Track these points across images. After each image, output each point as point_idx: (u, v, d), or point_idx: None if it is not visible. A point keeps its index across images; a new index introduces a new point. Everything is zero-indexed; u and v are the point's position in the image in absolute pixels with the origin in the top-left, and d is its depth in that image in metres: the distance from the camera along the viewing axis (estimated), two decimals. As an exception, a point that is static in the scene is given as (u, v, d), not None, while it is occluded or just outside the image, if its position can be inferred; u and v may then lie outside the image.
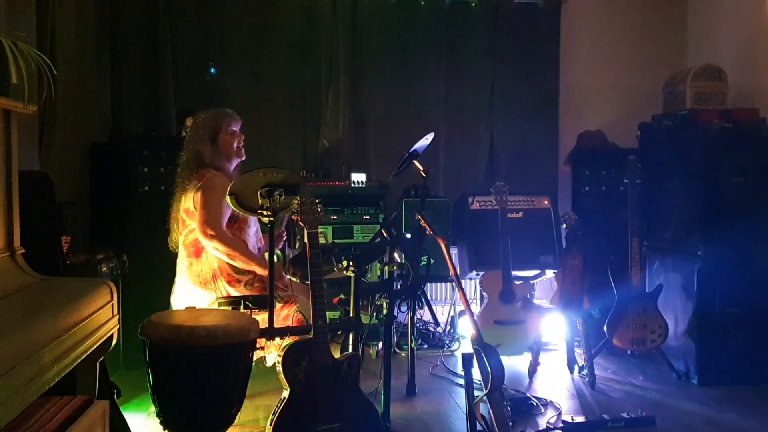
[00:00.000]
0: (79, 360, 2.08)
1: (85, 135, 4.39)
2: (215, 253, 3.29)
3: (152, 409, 2.65)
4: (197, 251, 3.36)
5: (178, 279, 3.41)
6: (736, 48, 4.72)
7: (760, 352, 4.11)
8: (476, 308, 4.63)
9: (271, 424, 2.74)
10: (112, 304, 2.38)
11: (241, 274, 3.35)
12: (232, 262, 3.31)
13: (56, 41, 3.81)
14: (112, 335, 2.41)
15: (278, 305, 3.23)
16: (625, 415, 3.44)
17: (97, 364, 2.41)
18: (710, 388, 4.05)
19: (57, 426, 1.91)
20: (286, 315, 3.24)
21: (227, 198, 3.04)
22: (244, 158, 3.54)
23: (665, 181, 4.46)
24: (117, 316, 2.44)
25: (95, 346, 2.22)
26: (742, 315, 4.11)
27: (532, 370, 4.23)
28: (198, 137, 3.46)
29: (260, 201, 3.00)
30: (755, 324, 4.12)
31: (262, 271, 3.32)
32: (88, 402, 2.14)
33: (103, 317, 2.28)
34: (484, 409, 2.89)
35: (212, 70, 4.98)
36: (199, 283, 3.34)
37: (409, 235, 3.82)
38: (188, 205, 3.35)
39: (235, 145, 3.48)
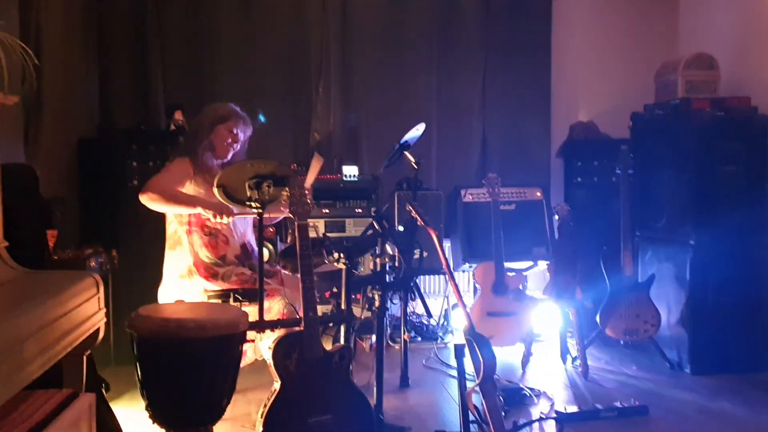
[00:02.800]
0: (65, 353, 2.05)
1: (72, 130, 4.36)
2: (153, 206, 3.25)
3: (142, 403, 2.62)
4: (174, 243, 3.37)
5: (164, 271, 3.40)
6: (728, 36, 4.71)
7: (752, 341, 4.11)
8: (469, 300, 4.62)
9: (262, 417, 2.72)
10: (98, 297, 2.35)
11: (219, 267, 3.33)
12: (174, 209, 3.28)
13: (41, 34, 3.77)
14: (98, 328, 2.38)
15: None
16: (618, 404, 3.45)
17: (84, 357, 2.39)
18: (703, 377, 4.05)
19: (41, 418, 1.88)
20: (267, 308, 3.20)
21: (215, 190, 3.02)
22: (225, 159, 3.45)
23: (657, 170, 4.45)
24: (103, 310, 2.41)
25: (81, 339, 2.20)
26: (735, 304, 4.11)
27: (525, 361, 4.22)
28: (199, 120, 3.45)
29: (249, 192, 2.98)
30: (748, 313, 4.12)
31: (203, 212, 3.22)
32: (73, 395, 2.11)
33: (88, 310, 2.25)
34: (477, 399, 2.87)
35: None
36: (178, 275, 3.33)
37: (401, 228, 3.79)
38: None
39: (227, 142, 3.42)
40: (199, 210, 3.23)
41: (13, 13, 3.50)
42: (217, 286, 3.31)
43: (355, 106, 5.20)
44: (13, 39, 2.14)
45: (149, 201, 3.24)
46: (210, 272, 3.32)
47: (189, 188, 3.36)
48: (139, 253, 4.06)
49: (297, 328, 2.84)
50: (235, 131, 3.43)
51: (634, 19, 5.34)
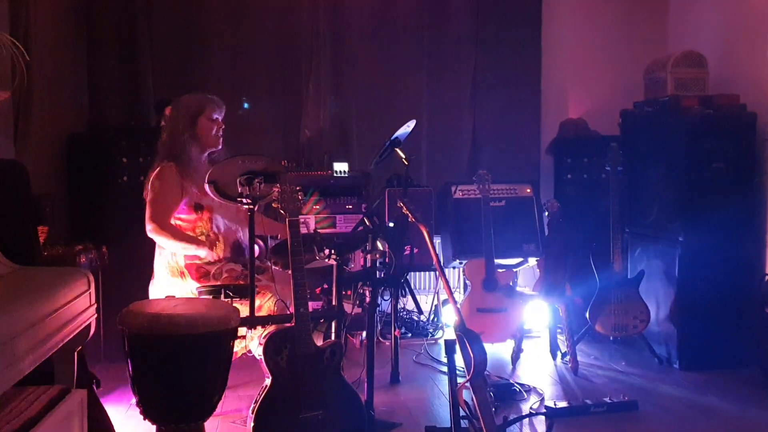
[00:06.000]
0: (56, 349, 2.04)
1: (62, 126, 4.33)
2: (162, 244, 3.32)
3: (133, 399, 2.62)
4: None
5: (154, 267, 3.39)
6: (717, 34, 4.74)
7: (740, 336, 4.13)
8: (459, 296, 4.63)
9: (253, 413, 2.73)
10: (90, 293, 2.34)
11: (210, 266, 3.33)
12: (176, 250, 3.30)
13: (31, 29, 3.74)
14: (89, 324, 2.37)
15: None
16: (607, 399, 3.47)
17: (75, 354, 2.38)
18: (692, 372, 4.08)
19: (33, 414, 1.87)
20: (258, 306, 3.20)
21: (206, 186, 3.02)
22: (219, 147, 3.48)
23: (647, 167, 4.47)
24: (95, 305, 2.40)
25: (72, 336, 2.19)
26: (723, 300, 4.14)
27: (515, 357, 4.24)
28: (176, 119, 3.42)
29: (240, 188, 2.97)
30: (736, 309, 4.15)
31: (203, 252, 3.29)
32: (65, 391, 2.10)
33: (80, 306, 2.24)
34: (467, 395, 2.88)
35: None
36: (170, 273, 3.33)
37: (392, 224, 3.80)
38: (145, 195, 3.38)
39: (214, 132, 3.43)
40: (202, 252, 3.29)
41: (3, 8, 3.47)
42: (208, 284, 3.31)
43: (346, 103, 5.19)
44: (3, 34, 2.13)
45: (157, 238, 3.30)
46: (201, 272, 3.32)
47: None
48: (129, 249, 4.03)
49: (288, 324, 2.85)
50: (215, 116, 3.43)
51: (624, 16, 5.36)
